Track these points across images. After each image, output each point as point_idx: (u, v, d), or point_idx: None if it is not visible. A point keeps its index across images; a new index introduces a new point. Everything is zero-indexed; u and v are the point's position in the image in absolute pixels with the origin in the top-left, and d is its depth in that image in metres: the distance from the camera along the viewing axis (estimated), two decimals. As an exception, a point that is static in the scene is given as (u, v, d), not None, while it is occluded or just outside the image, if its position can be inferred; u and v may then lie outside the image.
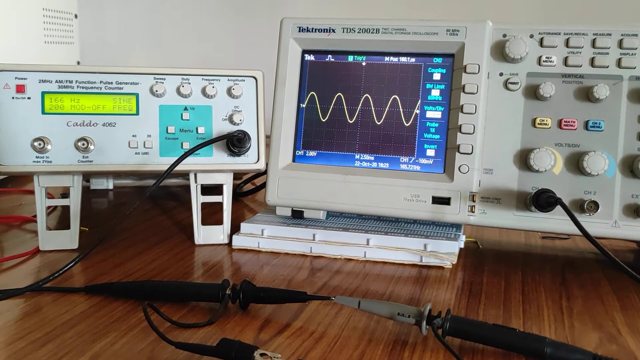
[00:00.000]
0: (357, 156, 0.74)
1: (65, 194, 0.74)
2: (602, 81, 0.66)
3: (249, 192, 1.02)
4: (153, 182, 1.08)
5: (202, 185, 0.76)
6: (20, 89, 0.69)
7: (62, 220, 0.86)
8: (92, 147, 0.70)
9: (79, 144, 0.70)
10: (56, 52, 1.38)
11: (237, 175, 1.04)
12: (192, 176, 0.75)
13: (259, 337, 0.51)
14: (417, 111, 0.72)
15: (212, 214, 0.82)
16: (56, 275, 0.62)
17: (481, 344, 0.49)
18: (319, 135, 0.75)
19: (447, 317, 0.49)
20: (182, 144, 0.73)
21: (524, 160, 0.68)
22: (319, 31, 0.75)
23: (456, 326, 0.49)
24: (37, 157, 0.69)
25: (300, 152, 0.76)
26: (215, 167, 0.74)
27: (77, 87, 0.71)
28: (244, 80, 0.75)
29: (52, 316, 0.54)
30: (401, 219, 0.77)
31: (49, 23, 1.34)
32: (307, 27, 0.75)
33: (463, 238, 0.74)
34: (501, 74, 0.69)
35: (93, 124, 0.71)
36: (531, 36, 0.69)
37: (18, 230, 0.82)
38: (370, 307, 0.52)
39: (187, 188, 0.76)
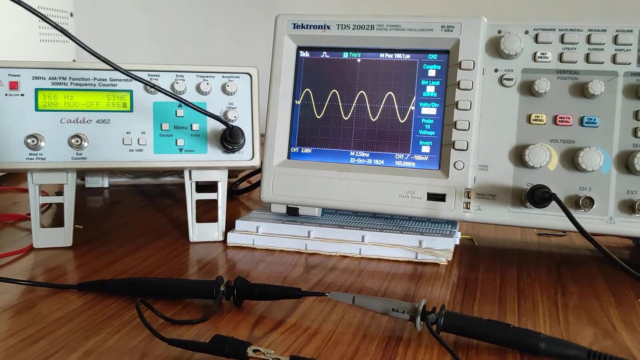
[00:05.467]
0: (352, 153, 0.74)
1: (60, 192, 0.74)
2: (597, 77, 0.66)
3: (244, 190, 1.01)
4: (148, 180, 1.08)
5: (197, 182, 0.75)
6: (13, 85, 0.69)
7: (56, 218, 0.86)
8: (85, 144, 0.70)
9: (73, 140, 0.69)
10: (52, 50, 1.38)
11: (232, 173, 1.04)
12: (186, 173, 0.75)
13: (253, 333, 0.51)
14: (412, 108, 0.72)
15: (207, 212, 0.82)
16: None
17: (476, 339, 0.49)
18: (314, 132, 0.75)
19: (441, 313, 0.49)
20: (176, 140, 0.72)
21: (519, 156, 0.68)
22: (313, 28, 0.75)
23: (450, 322, 0.49)
24: (30, 154, 0.69)
25: (295, 149, 0.75)
26: (209, 164, 0.74)
27: (71, 83, 0.70)
28: (238, 77, 0.75)
29: (45, 313, 0.54)
30: (396, 215, 0.77)
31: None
32: (302, 24, 0.75)
33: (458, 235, 0.74)
34: (496, 70, 0.69)
35: (87, 121, 0.71)
36: (526, 32, 0.68)
37: (12, 228, 0.81)
38: (365, 303, 0.52)
39: (183, 186, 0.76)
